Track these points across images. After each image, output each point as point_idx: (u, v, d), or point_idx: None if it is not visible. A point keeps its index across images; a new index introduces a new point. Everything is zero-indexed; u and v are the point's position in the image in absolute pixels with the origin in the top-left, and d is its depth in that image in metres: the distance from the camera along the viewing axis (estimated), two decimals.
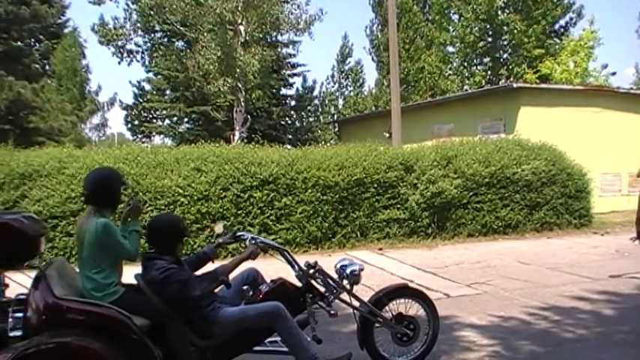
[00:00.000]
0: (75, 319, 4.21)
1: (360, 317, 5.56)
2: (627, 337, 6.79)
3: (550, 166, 15.83)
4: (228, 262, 5.10)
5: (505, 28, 39.01)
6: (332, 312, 5.19)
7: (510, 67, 39.75)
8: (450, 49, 42.56)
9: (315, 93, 43.83)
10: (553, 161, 16.00)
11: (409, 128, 20.61)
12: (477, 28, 39.32)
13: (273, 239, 12.23)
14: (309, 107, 43.03)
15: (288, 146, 29.82)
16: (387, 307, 5.70)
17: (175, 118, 38.23)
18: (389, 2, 20.18)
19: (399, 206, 14.12)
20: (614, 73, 36.90)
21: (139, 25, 32.52)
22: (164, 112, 38.15)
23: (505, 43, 40.38)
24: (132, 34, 32.50)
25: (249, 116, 28.08)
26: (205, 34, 25.79)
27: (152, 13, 29.30)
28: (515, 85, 20.96)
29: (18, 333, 4.19)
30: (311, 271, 5.27)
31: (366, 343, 5.56)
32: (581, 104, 20.71)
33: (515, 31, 37.87)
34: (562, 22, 40.79)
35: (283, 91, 39.44)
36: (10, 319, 4.25)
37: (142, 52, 35.78)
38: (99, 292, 4.58)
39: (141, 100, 38.69)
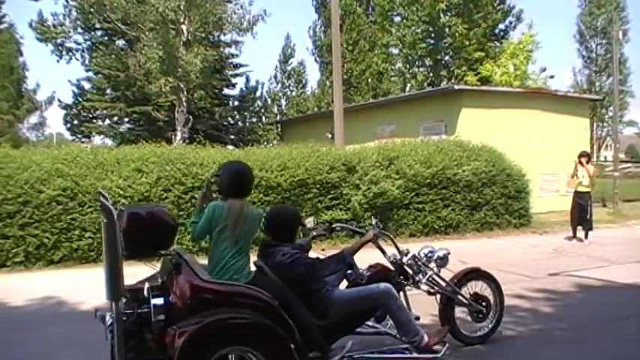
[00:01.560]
0: (222, 299, 4.55)
1: (443, 297, 6.21)
2: (564, 333, 6.94)
3: (490, 166, 16.08)
4: (352, 245, 5.90)
5: (447, 30, 39.52)
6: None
7: (452, 69, 40.32)
8: (393, 50, 42.95)
9: (258, 93, 43.62)
10: (493, 162, 16.26)
11: (352, 129, 20.69)
12: (419, 31, 39.73)
13: None
14: (251, 107, 42.80)
15: (231, 147, 29.79)
16: (464, 288, 6.41)
17: (116, 118, 37.58)
18: (332, 3, 20.24)
19: (341, 207, 14.17)
20: (552, 76, 37.87)
21: (78, 22, 31.88)
22: (104, 111, 37.42)
23: (447, 45, 40.91)
24: (71, 32, 31.96)
25: (191, 116, 27.77)
26: (147, 32, 25.40)
27: (92, 10, 28.79)
28: (456, 87, 21.27)
29: (161, 317, 4.44)
30: (404, 258, 6.03)
31: (447, 321, 6.14)
32: (520, 106, 21.10)
33: (457, 34, 38.43)
34: (502, 25, 41.63)
35: (226, 91, 39.20)
36: (153, 305, 4.49)
37: (82, 50, 35.10)
38: (237, 275, 4.97)
39: (80, 100, 37.83)
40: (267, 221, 5.30)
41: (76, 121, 38.52)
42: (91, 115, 38.63)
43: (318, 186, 13.85)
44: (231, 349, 4.45)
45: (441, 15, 39.59)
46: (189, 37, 26.27)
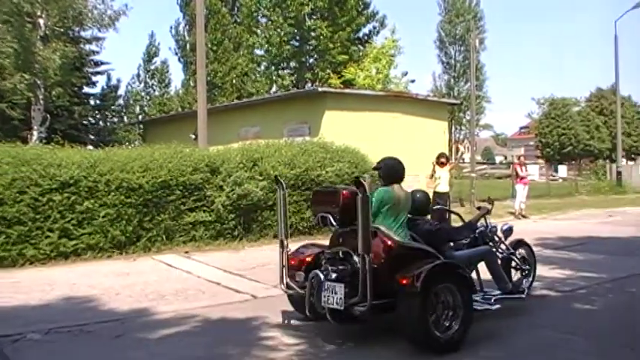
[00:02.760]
0: (407, 254, 6.51)
1: (504, 259, 8.27)
2: None
3: (353, 168, 16.26)
4: (474, 216, 8.32)
5: (312, 33, 39.89)
6: None
7: (316, 71, 40.72)
8: (258, 52, 42.95)
9: (120, 92, 42.59)
10: (356, 163, 16.46)
11: (216, 130, 20.46)
12: (284, 33, 39.90)
13: (74, 245, 12.01)
14: (113, 107, 41.64)
15: (91, 147, 28.76)
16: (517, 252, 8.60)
17: None
18: (197, 2, 19.96)
19: (205, 209, 13.95)
20: (413, 81, 39.01)
21: None
22: None
23: (311, 48, 41.30)
24: None
25: (48, 115, 26.66)
26: (0, 25, 24.17)
27: None
28: (320, 90, 21.49)
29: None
30: (488, 229, 8.17)
31: (508, 275, 8.11)
32: (382, 109, 21.57)
33: (322, 37, 38.85)
34: (366, 30, 42.52)
35: (86, 89, 37.83)
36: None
37: None
38: (404, 238, 6.71)
39: None
40: (414, 202, 7.22)
41: None
42: None
43: (181, 187, 13.54)
44: (442, 285, 6.26)
45: (306, 18, 39.95)
46: (47, 32, 25.22)
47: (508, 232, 8.52)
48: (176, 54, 47.32)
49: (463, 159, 47.88)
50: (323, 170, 15.56)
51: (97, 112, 39.61)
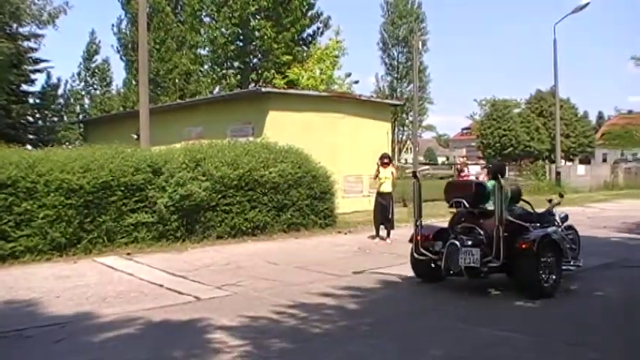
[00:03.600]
0: (515, 228, 8.98)
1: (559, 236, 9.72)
2: (370, 328, 7.19)
3: (296, 168, 16.31)
4: (548, 207, 10.62)
5: (256, 33, 39.74)
6: None
7: (260, 71, 40.59)
8: (202, 51, 42.60)
9: (60, 91, 41.58)
10: (299, 164, 16.50)
11: (158, 130, 20.24)
12: (228, 32, 39.66)
13: (11, 247, 11.79)
14: (52, 106, 40.63)
15: (29, 147, 28.15)
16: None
17: None
18: (139, 0, 19.72)
19: (147, 209, 13.79)
20: (356, 82, 39.16)
21: None
22: None
23: (256, 48, 41.14)
24: None
25: None
26: None
27: None
28: (263, 90, 21.40)
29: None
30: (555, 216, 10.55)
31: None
32: (326, 110, 21.61)
33: (266, 37, 38.73)
34: (310, 30, 42.44)
35: (24, 87, 36.91)
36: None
37: None
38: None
39: None
40: (513, 193, 9.82)
41: None
42: None
43: (123, 188, 13.35)
44: (545, 250, 8.88)
45: (251, 18, 39.79)
46: None
47: (564, 219, 10.77)
48: (118, 52, 46.50)
49: (406, 160, 48.31)
50: (266, 171, 15.55)
51: (36, 110, 38.62)
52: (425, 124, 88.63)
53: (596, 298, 9.25)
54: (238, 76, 40.77)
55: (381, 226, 15.44)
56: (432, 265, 9.54)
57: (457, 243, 8.97)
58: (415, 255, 9.71)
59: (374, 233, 15.63)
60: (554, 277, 8.90)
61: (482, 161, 69.52)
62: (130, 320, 7.42)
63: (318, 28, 42.65)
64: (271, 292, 9.17)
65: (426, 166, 57.01)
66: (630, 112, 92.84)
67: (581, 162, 68.48)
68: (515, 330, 7.07)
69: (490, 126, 79.78)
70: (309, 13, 41.90)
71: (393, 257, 12.58)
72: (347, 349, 6.33)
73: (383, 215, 15.34)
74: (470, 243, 8.94)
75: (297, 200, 16.29)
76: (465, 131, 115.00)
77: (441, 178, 44.36)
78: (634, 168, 50.83)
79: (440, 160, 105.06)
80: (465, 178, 21.98)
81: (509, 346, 6.46)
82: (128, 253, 12.80)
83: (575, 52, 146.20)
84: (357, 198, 21.75)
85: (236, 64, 42.23)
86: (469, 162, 35.98)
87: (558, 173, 37.55)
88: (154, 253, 13.07)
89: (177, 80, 40.78)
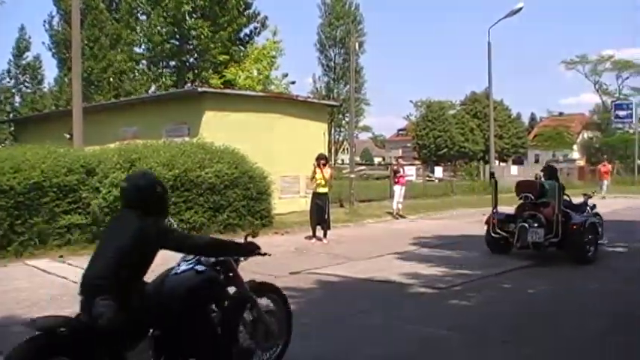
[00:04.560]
0: (564, 214, 12.20)
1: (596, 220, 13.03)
2: (308, 328, 7.16)
3: (233, 169, 16.25)
4: (584, 199, 13.73)
5: (193, 32, 39.43)
6: None
7: (197, 71, 40.29)
8: (138, 50, 42.04)
9: None
10: (236, 164, 16.45)
11: (92, 130, 19.89)
12: (164, 31, 39.24)
13: None
14: None
15: None
16: None
17: None
18: None
19: (80, 211, 13.55)
20: (293, 82, 39.03)
21: None
22: None
23: (192, 47, 40.83)
24: None
25: None
26: None
27: None
28: (200, 90, 21.23)
29: None
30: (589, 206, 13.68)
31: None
32: (263, 110, 21.55)
33: (202, 36, 38.46)
34: (247, 30, 42.32)
35: None
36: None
37: None
38: None
39: None
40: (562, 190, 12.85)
41: None
42: None
43: (55, 189, 13.09)
44: (589, 230, 12.23)
45: (187, 16, 39.46)
46: None
47: (593, 207, 13.62)
48: (50, 50, 45.43)
49: (342, 160, 48.48)
50: (202, 171, 15.45)
51: None
52: (361, 125, 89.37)
53: (530, 295, 9.51)
54: (174, 76, 40.36)
55: (318, 227, 15.48)
56: (501, 242, 12.93)
57: (526, 225, 12.20)
58: (491, 234, 12.99)
59: (311, 234, 15.66)
60: (593, 249, 12.23)
61: (417, 162, 70.53)
62: None
63: (255, 28, 42.62)
64: None
65: (363, 167, 57.41)
66: (561, 114, 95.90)
67: (515, 163, 70.05)
68: (451, 328, 7.22)
69: (425, 127, 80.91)
70: (246, 13, 41.80)
71: (330, 257, 12.66)
72: (286, 350, 6.31)
73: (319, 216, 15.38)
74: (535, 225, 12.13)
75: (234, 201, 16.23)
76: (400, 132, 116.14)
77: (377, 178, 44.82)
78: (565, 169, 52.23)
79: (376, 160, 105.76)
80: (403, 181, 22.29)
81: (445, 344, 6.60)
82: (61, 256, 12.55)
83: (508, 54, 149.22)
84: (293, 198, 21.75)
85: (172, 63, 41.89)
86: (405, 162, 36.39)
87: (492, 174, 38.13)
88: (88, 255, 12.74)
89: (111, 79, 40.07)
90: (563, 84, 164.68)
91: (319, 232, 15.48)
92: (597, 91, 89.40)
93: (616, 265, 12.30)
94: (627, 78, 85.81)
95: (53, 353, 3.99)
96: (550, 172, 13.35)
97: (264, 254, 5.24)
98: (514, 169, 44.19)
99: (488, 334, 7.04)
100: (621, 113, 62.64)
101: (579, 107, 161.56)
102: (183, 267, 4.94)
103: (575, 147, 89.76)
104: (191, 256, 4.99)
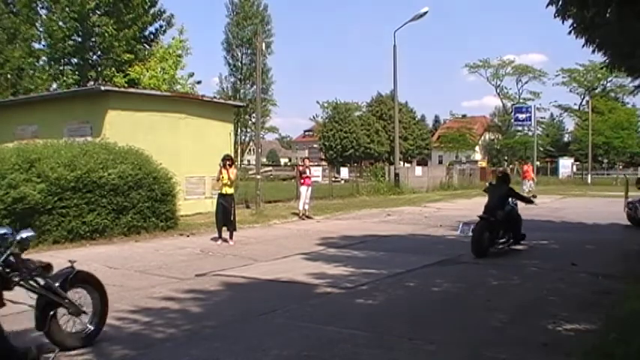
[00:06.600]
0: None
1: None
2: (214, 331, 7.18)
3: (137, 170, 15.96)
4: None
5: (96, 29, 38.57)
6: None
7: (100, 69, 39.42)
8: (38, 45, 40.71)
9: None
10: (140, 165, 16.16)
11: None
12: (67, 26, 38.18)
13: None
14: None
15: None
16: None
17: None
18: None
19: None
20: (199, 82, 38.76)
21: None
22: None
23: (95, 44, 39.92)
24: None
25: None
26: None
27: None
28: (103, 88, 20.78)
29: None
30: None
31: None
32: (168, 110, 21.26)
33: (106, 34, 37.68)
34: (152, 29, 41.73)
35: None
36: None
37: None
38: None
39: None
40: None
41: None
42: None
43: None
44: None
45: (90, 13, 38.56)
46: None
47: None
48: None
49: (248, 161, 48.39)
50: (105, 172, 15.11)
51: None
52: (268, 126, 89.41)
53: (434, 293, 9.71)
54: (77, 74, 39.28)
55: (224, 228, 15.42)
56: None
57: None
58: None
59: (216, 235, 15.57)
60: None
61: (323, 163, 71.03)
62: None
63: (161, 27, 42.06)
64: (112, 297, 8.81)
65: (269, 168, 57.51)
66: (464, 116, 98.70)
67: (419, 164, 71.40)
68: (358, 327, 7.29)
69: (332, 128, 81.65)
70: (152, 11, 41.19)
71: (236, 259, 12.63)
72: (191, 353, 6.28)
73: (225, 217, 15.32)
74: None
75: (138, 202, 15.93)
76: (307, 133, 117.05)
77: (284, 179, 45.01)
78: (467, 169, 53.81)
79: (282, 161, 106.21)
80: (309, 182, 22.39)
81: (352, 343, 6.65)
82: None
83: (413, 57, 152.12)
84: (199, 200, 21.57)
85: (74, 60, 40.76)
86: (311, 163, 36.60)
87: (397, 174, 38.87)
88: None
89: (9, 75, 38.62)
90: (466, 87, 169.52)
91: (225, 234, 15.43)
92: (498, 94, 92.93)
93: (517, 263, 12.55)
94: (527, 82, 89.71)
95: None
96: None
97: None
98: (418, 170, 45.08)
99: (393, 332, 7.14)
100: (521, 116, 64.80)
101: (481, 110, 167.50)
102: None
103: (477, 148, 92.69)
104: None
